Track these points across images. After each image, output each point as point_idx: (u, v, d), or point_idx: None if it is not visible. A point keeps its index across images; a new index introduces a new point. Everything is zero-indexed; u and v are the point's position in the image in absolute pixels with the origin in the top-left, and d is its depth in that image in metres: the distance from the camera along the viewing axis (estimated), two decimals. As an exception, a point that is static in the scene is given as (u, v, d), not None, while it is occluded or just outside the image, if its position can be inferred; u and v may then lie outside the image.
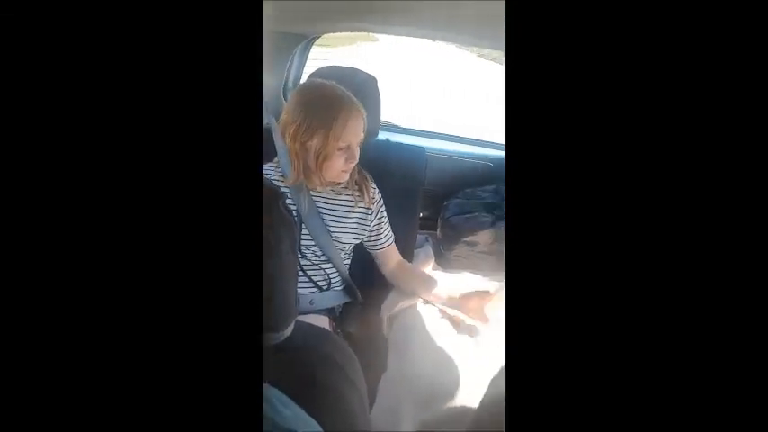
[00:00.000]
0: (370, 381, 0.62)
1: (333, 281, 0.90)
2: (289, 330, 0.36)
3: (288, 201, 0.68)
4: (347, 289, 0.94)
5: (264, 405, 0.30)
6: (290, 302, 0.35)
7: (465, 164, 1.42)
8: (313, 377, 0.37)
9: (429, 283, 0.92)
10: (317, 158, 0.79)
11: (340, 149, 0.79)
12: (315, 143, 0.78)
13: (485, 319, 0.83)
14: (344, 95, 0.80)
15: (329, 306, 0.89)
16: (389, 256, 0.95)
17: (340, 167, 0.81)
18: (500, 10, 0.32)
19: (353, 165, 0.82)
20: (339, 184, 0.87)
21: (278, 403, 0.31)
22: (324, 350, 0.42)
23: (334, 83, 0.83)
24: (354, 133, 0.79)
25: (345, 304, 0.94)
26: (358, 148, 0.81)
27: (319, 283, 0.88)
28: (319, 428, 0.32)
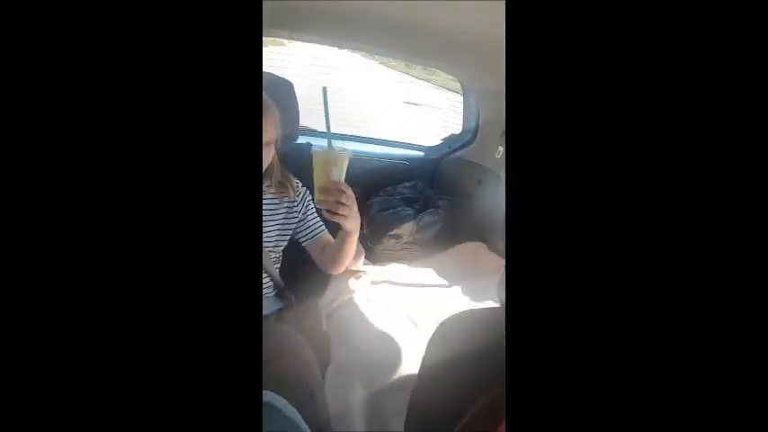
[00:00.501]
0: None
1: (264, 287, 0.89)
2: None
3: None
4: (280, 294, 0.93)
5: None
6: None
7: (384, 164, 1.50)
8: (267, 364, 0.38)
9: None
10: None
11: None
12: None
13: None
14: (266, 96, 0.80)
15: (264, 314, 0.88)
16: (324, 244, 0.91)
17: None
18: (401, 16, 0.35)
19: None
20: (265, 183, 0.86)
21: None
22: (275, 340, 0.43)
23: None
24: (273, 129, 0.78)
25: (279, 309, 0.94)
26: (266, 149, 0.78)
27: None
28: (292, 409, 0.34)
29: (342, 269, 0.89)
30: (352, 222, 0.73)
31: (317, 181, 0.70)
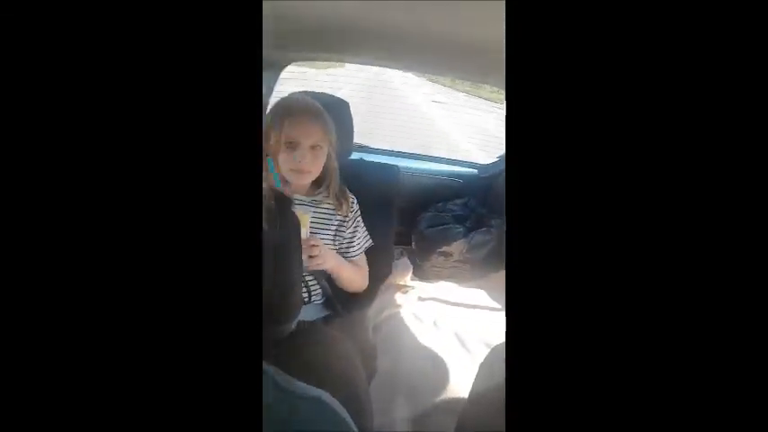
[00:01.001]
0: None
1: (313, 294, 0.92)
2: (293, 325, 0.39)
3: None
4: (327, 302, 0.96)
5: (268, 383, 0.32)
6: (296, 298, 0.38)
7: (436, 181, 1.49)
8: (318, 364, 0.39)
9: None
10: (268, 154, 0.81)
11: (287, 145, 0.81)
12: (269, 145, 0.82)
13: None
14: (302, 101, 0.85)
15: (310, 319, 0.91)
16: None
17: (289, 166, 0.82)
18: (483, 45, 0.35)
19: (306, 167, 0.83)
20: (317, 195, 0.91)
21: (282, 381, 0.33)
22: (326, 340, 0.44)
23: (305, 95, 0.89)
24: (304, 133, 0.81)
25: (326, 317, 0.96)
26: (314, 152, 0.83)
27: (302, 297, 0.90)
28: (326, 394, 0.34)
29: (352, 288, 0.95)
30: (331, 262, 0.85)
31: None
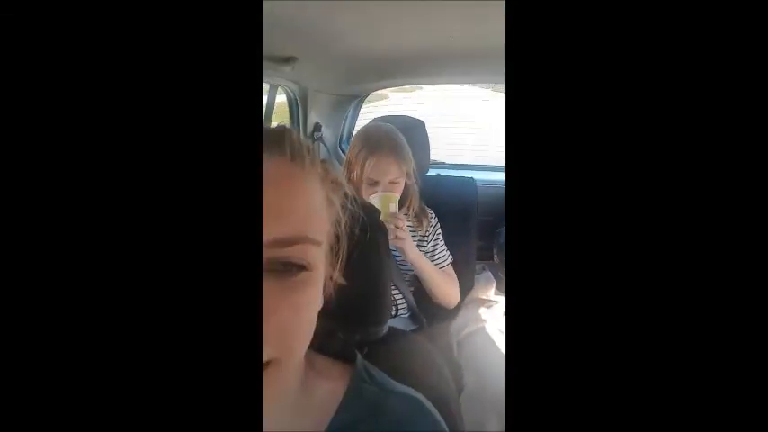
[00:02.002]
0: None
1: (400, 308, 0.95)
2: (386, 327, 0.43)
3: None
4: (413, 316, 0.98)
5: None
6: (389, 300, 0.42)
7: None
8: (409, 370, 0.42)
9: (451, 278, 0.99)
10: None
11: (368, 181, 0.90)
12: (353, 177, 0.92)
13: None
14: (382, 136, 0.92)
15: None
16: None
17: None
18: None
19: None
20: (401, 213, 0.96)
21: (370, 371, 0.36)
22: (418, 348, 0.47)
23: (389, 125, 0.96)
24: (384, 172, 0.89)
25: (412, 330, 0.98)
26: (394, 185, 0.91)
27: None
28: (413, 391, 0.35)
29: (445, 301, 0.96)
30: (409, 244, 0.91)
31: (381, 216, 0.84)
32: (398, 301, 0.95)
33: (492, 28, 0.76)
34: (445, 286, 0.97)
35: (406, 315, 0.98)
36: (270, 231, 0.27)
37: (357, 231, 0.38)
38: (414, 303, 0.97)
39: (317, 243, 0.31)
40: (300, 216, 0.30)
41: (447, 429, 0.35)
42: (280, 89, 1.26)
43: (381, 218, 0.61)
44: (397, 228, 0.87)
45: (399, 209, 0.94)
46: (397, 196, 0.90)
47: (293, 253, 0.29)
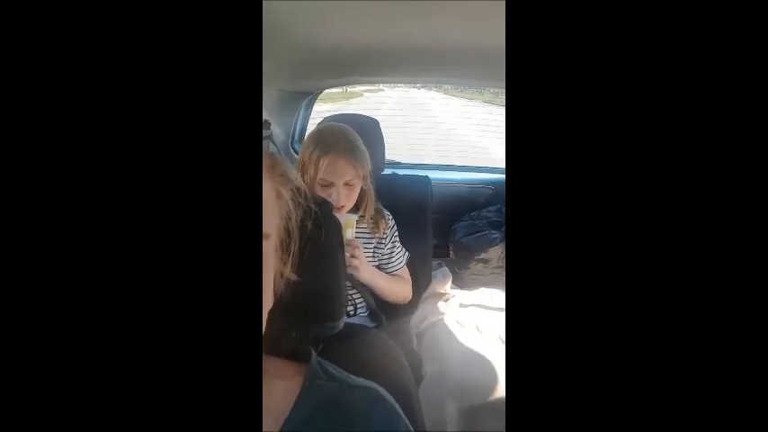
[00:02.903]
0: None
1: (359, 306, 0.95)
2: (341, 323, 0.42)
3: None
4: (372, 314, 0.98)
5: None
6: (344, 294, 0.41)
7: (467, 189, 1.50)
8: (366, 362, 0.42)
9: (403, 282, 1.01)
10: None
11: (322, 182, 0.88)
12: (307, 179, 0.89)
13: None
14: (336, 136, 0.90)
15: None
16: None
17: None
18: (499, 51, 0.35)
19: (342, 203, 0.89)
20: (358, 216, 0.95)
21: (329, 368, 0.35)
22: (373, 340, 0.47)
23: (344, 125, 0.94)
24: (339, 174, 0.87)
25: (372, 328, 0.98)
26: (348, 187, 0.89)
27: (347, 309, 0.93)
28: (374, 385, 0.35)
29: (398, 301, 0.98)
30: (364, 268, 0.89)
31: None
32: (357, 301, 0.94)
33: (444, 24, 0.77)
34: (398, 290, 0.98)
35: (365, 314, 0.97)
36: None
37: (309, 226, 0.37)
38: (372, 302, 0.97)
39: (265, 236, 0.29)
40: None
41: (405, 417, 0.35)
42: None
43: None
44: (353, 257, 0.86)
45: (356, 211, 0.93)
46: (354, 220, 0.88)
47: None
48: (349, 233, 0.86)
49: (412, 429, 0.34)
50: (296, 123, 1.51)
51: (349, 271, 0.86)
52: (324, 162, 0.86)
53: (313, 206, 0.37)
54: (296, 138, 1.54)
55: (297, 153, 1.49)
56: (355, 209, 0.94)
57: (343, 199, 0.89)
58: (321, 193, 0.88)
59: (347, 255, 0.82)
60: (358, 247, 0.87)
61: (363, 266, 0.88)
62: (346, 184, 0.88)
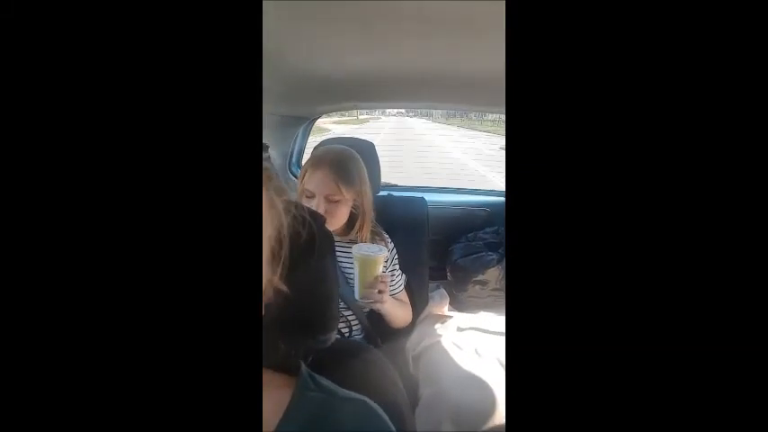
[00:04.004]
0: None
1: (354, 328, 0.93)
2: (333, 336, 0.41)
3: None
4: (367, 336, 0.96)
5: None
6: (335, 308, 0.40)
7: (463, 211, 1.51)
8: (357, 376, 0.40)
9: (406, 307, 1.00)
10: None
11: (307, 196, 0.88)
12: (298, 190, 0.91)
13: None
14: (327, 152, 0.91)
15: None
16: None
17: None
18: (499, 76, 0.36)
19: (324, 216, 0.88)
20: (352, 236, 0.94)
21: (314, 378, 0.34)
22: (366, 356, 0.45)
23: (343, 147, 0.96)
24: (319, 185, 0.87)
25: (368, 351, 0.95)
26: (331, 204, 0.87)
27: (342, 330, 0.91)
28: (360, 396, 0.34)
29: (398, 326, 0.97)
30: (386, 300, 0.87)
31: (366, 278, 0.84)
32: (352, 322, 0.92)
33: (441, 50, 0.79)
34: (401, 314, 0.96)
35: (360, 336, 0.95)
36: None
37: (304, 236, 0.37)
38: (367, 323, 0.95)
39: None
40: None
41: (395, 429, 0.34)
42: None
43: (363, 282, 0.58)
44: (381, 292, 0.84)
45: (350, 231, 0.92)
46: (384, 257, 0.84)
47: None
48: (379, 269, 0.85)
49: None
50: (293, 147, 1.53)
51: (374, 306, 0.87)
52: (309, 173, 0.89)
53: (308, 218, 0.37)
54: (293, 161, 1.56)
55: (294, 176, 1.50)
56: (350, 226, 0.94)
57: (321, 212, 0.88)
58: (305, 203, 0.87)
59: (375, 291, 0.84)
60: (385, 282, 0.85)
61: (386, 299, 0.87)
62: (328, 198, 0.87)
